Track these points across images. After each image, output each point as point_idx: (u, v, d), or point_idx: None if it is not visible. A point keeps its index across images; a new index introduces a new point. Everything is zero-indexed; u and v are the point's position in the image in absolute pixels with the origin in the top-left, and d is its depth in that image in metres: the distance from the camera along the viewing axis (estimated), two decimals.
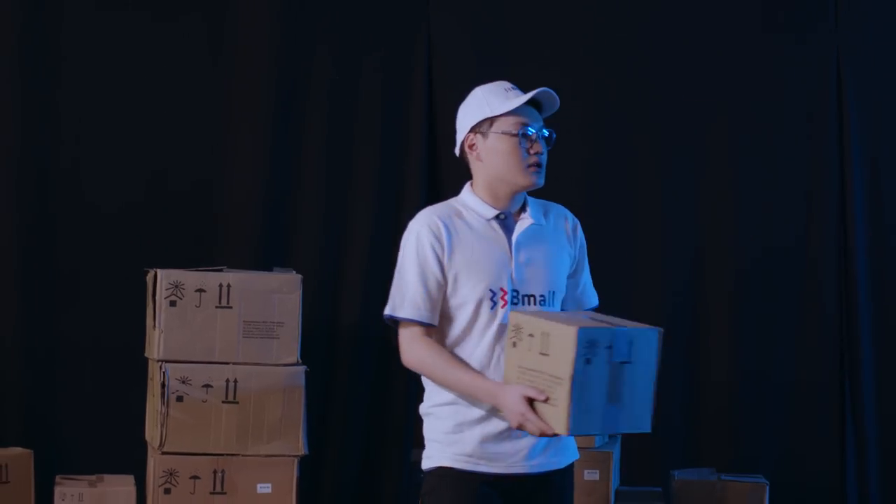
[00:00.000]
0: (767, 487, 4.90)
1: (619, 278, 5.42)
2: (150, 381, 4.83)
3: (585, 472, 4.72)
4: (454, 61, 5.62)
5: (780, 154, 5.62)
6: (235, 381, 4.63)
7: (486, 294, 3.61)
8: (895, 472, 5.60)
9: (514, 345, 3.59)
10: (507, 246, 3.62)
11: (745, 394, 5.57)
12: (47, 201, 5.44)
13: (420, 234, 3.65)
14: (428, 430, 3.69)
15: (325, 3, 5.58)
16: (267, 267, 5.00)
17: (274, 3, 5.56)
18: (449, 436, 3.64)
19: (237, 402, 4.62)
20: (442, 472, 3.63)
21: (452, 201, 3.75)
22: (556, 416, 3.46)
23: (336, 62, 5.59)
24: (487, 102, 3.66)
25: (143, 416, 4.93)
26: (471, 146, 3.67)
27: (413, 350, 3.61)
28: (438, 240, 3.63)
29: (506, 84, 3.67)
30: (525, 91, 3.65)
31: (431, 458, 3.67)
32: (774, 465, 5.40)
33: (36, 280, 5.43)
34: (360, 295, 5.40)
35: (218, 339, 4.65)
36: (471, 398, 3.63)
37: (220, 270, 4.74)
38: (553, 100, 3.67)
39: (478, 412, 3.61)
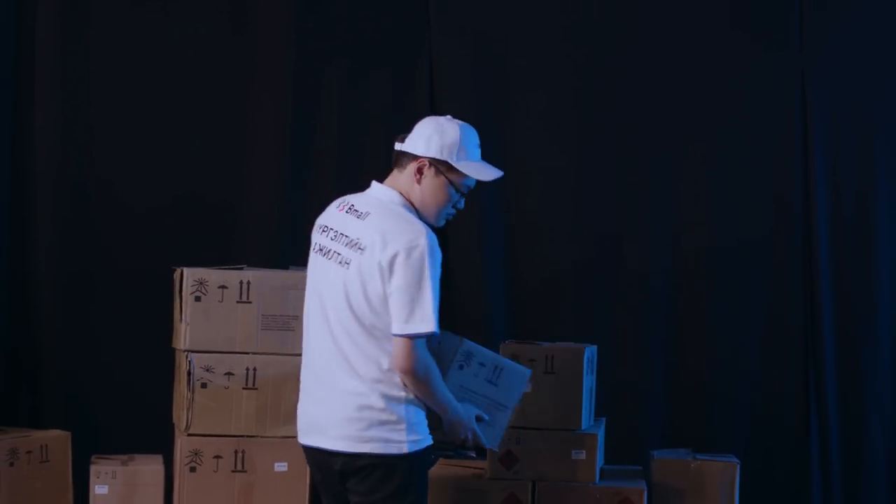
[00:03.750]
0: (738, 466, 4.95)
1: (604, 278, 5.59)
2: (177, 370, 4.90)
3: (573, 451, 4.79)
4: (454, 78, 5.71)
5: (749, 166, 5.71)
6: (255, 370, 4.72)
7: None
8: (855, 453, 5.68)
9: (461, 367, 4.01)
10: None
11: (718, 383, 5.68)
12: (85, 207, 5.57)
13: (438, 251, 3.78)
14: (412, 414, 3.82)
15: (336, 25, 5.66)
16: (283, 266, 5.04)
17: (290, 24, 5.63)
18: (425, 419, 3.87)
19: (256, 389, 4.71)
20: (429, 449, 3.89)
21: (407, 211, 3.86)
22: (490, 434, 4.00)
23: (346, 79, 5.69)
24: (463, 155, 3.87)
25: (171, 401, 5.02)
26: (420, 168, 3.87)
27: (428, 362, 3.76)
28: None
29: (477, 138, 3.88)
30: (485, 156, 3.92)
31: (424, 440, 3.84)
32: (745, 445, 5.48)
33: (75, 278, 5.56)
34: None
35: (239, 331, 4.73)
36: (437, 408, 3.86)
37: (241, 269, 4.81)
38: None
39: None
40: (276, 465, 4.75)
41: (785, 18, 5.70)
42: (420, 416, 3.86)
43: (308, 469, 4.65)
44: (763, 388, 5.69)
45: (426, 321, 3.72)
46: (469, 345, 4.03)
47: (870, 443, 5.64)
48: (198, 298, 4.73)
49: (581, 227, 5.67)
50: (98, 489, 4.83)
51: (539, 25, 5.73)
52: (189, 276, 4.73)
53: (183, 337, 4.75)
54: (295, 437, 4.49)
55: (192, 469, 4.71)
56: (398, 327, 3.75)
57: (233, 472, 4.72)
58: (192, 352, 4.72)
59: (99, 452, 5.01)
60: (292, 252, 5.36)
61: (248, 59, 5.66)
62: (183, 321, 4.75)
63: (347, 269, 3.85)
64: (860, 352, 5.69)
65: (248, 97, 5.65)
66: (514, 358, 4.75)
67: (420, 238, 3.75)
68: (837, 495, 5.67)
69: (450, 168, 3.87)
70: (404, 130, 5.56)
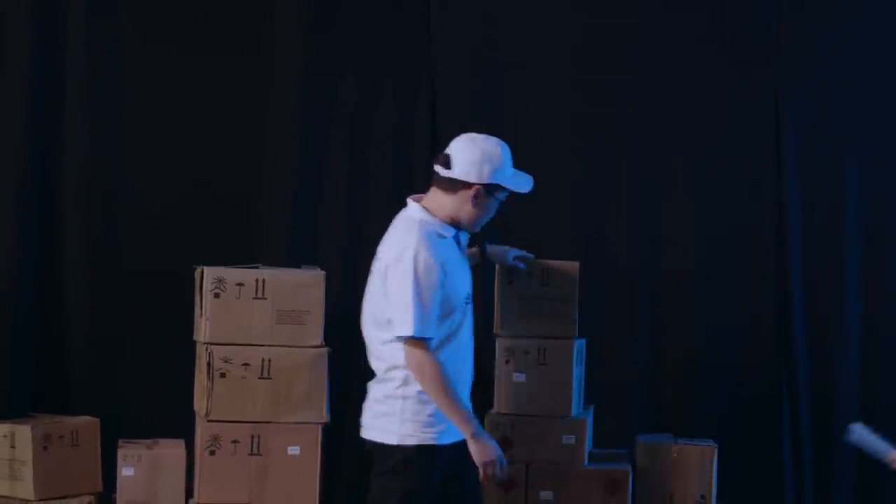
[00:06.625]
0: (716, 450, 5.06)
1: (597, 278, 5.58)
2: (198, 361, 5.02)
3: (563, 436, 4.90)
4: (454, 89, 5.82)
5: (728, 173, 5.83)
6: (269, 361, 4.85)
7: (468, 298, 4.15)
8: (823, 438, 5.81)
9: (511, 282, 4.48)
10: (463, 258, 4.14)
11: (698, 374, 5.79)
12: (114, 211, 5.68)
13: (428, 263, 3.93)
14: (407, 410, 4.07)
15: (344, 41, 5.74)
16: (296, 265, 5.14)
17: (304, 38, 5.72)
18: (430, 418, 4.09)
19: (271, 378, 4.83)
20: (425, 449, 4.08)
21: (423, 223, 4.04)
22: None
23: (354, 92, 5.79)
24: (506, 173, 4.04)
25: (192, 389, 5.13)
26: (476, 194, 4.00)
27: (437, 368, 3.93)
28: (441, 264, 3.99)
29: (509, 151, 4.05)
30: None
31: (415, 436, 4.05)
32: (723, 431, 5.52)
33: (104, 276, 5.67)
34: None
35: (255, 325, 4.86)
36: (451, 418, 4.00)
37: (257, 267, 4.92)
38: None
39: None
40: (289, 448, 4.88)
41: (761, 37, 5.83)
42: (419, 415, 4.07)
43: (319, 452, 4.90)
44: (740, 379, 5.81)
45: (406, 325, 3.94)
46: None
47: (838, 429, 5.59)
48: (217, 295, 4.87)
49: (573, 230, 5.79)
50: (125, 471, 4.99)
51: (535, 41, 5.84)
52: (209, 275, 4.88)
53: (203, 330, 4.90)
54: (306, 422, 4.88)
55: (212, 452, 4.84)
56: (393, 331, 4.03)
57: (249, 455, 4.85)
58: (212, 344, 4.86)
59: (126, 437, 5.14)
60: (304, 252, 5.62)
61: (265, 73, 5.74)
62: (203, 316, 4.90)
63: (371, 277, 4.21)
64: (829, 346, 5.83)
65: (265, 110, 5.74)
66: (510, 352, 4.95)
67: (407, 251, 3.98)
68: (808, 475, 5.83)
69: (499, 188, 4.09)
70: (408, 138, 5.74)
